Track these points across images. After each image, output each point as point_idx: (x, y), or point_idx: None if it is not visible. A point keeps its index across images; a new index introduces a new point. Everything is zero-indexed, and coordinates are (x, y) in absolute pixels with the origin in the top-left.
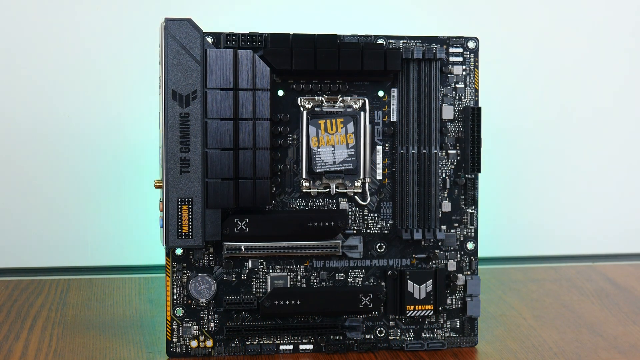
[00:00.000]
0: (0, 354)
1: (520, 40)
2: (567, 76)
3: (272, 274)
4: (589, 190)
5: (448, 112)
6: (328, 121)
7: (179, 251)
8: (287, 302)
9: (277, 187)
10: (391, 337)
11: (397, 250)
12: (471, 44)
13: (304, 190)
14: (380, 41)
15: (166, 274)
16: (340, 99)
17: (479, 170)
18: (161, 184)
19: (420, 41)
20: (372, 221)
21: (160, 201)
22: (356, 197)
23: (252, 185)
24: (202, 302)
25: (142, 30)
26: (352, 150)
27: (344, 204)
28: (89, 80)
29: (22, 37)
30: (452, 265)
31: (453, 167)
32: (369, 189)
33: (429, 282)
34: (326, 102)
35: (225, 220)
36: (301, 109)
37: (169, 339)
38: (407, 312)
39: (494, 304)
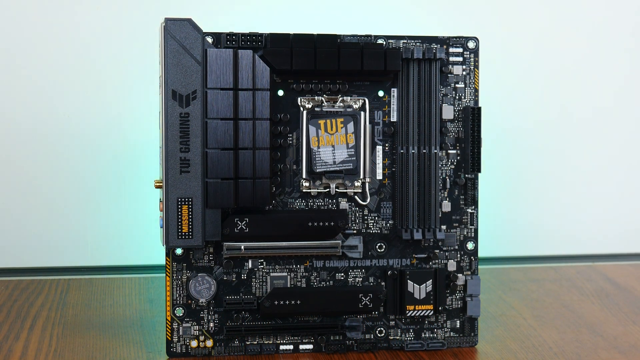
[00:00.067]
0: (0, 354)
1: (520, 40)
2: (567, 76)
3: (272, 274)
4: (589, 190)
5: (448, 112)
6: (328, 121)
7: (179, 251)
8: (287, 302)
9: (277, 187)
10: (391, 337)
11: (397, 250)
12: (471, 44)
13: (304, 190)
14: (380, 41)
15: (166, 274)
16: (340, 99)
17: (479, 170)
18: (161, 184)
19: (420, 41)
20: (372, 221)
21: (160, 201)
22: (356, 197)
23: (252, 185)
24: (202, 302)
25: (142, 30)
26: (352, 150)
27: (344, 204)
28: (89, 80)
29: (22, 37)
30: (452, 265)
31: (453, 167)
32: (369, 189)
33: (429, 282)
34: (326, 102)
35: (225, 220)
36: (301, 109)
37: (169, 339)
38: (407, 312)
39: (494, 304)
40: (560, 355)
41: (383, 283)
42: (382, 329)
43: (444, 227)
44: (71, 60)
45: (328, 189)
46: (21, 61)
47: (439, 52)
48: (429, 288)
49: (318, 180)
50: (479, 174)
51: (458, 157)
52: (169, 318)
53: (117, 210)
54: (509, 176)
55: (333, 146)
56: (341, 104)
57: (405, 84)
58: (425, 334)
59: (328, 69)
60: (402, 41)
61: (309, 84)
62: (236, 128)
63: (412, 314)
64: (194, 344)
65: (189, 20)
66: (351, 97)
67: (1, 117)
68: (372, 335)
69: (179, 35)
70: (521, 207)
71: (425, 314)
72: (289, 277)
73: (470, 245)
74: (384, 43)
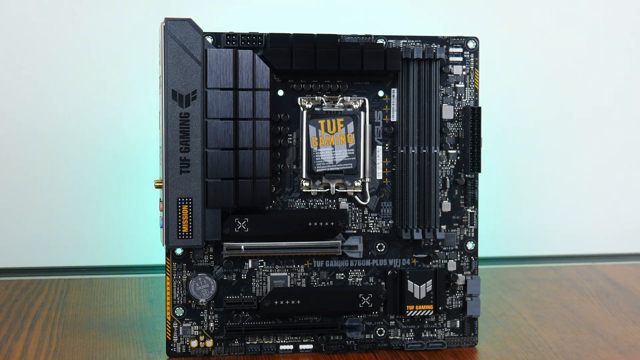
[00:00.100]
0: (0, 354)
1: (520, 40)
2: (567, 76)
3: (272, 274)
4: (589, 190)
5: (448, 112)
6: (328, 121)
7: (179, 251)
8: (287, 302)
9: (277, 187)
10: (391, 337)
11: (397, 250)
12: (471, 44)
13: (304, 190)
14: (380, 41)
15: (166, 274)
16: (340, 98)
17: (479, 170)
18: (161, 184)
19: (420, 41)
20: (372, 221)
21: (160, 201)
22: (356, 197)
23: (252, 185)
24: (202, 302)
25: (142, 30)
26: (352, 150)
27: (344, 204)
28: (89, 80)
29: (22, 37)
30: (452, 265)
31: (453, 167)
32: (369, 189)
33: (429, 282)
34: (326, 102)
35: (225, 220)
36: (301, 108)
37: (169, 338)
38: (407, 312)
39: (494, 304)
40: (560, 355)
41: (383, 283)
42: (382, 329)
43: (444, 227)
44: (71, 60)
45: (328, 189)
46: (21, 61)
47: (439, 52)
48: (429, 288)
49: (318, 180)
50: (479, 174)
51: (458, 157)
52: (169, 318)
53: (117, 210)
54: (509, 176)
55: (333, 146)
56: (341, 104)
57: (405, 84)
58: (425, 334)
59: (328, 69)
60: (402, 41)
61: (309, 84)
62: (236, 128)
63: (412, 314)
64: (194, 344)
65: (189, 20)
66: (351, 97)
67: (1, 117)
68: (372, 335)
69: (179, 35)
70: (521, 207)
71: (425, 314)
72: (289, 277)
73: (470, 245)
74: (384, 43)
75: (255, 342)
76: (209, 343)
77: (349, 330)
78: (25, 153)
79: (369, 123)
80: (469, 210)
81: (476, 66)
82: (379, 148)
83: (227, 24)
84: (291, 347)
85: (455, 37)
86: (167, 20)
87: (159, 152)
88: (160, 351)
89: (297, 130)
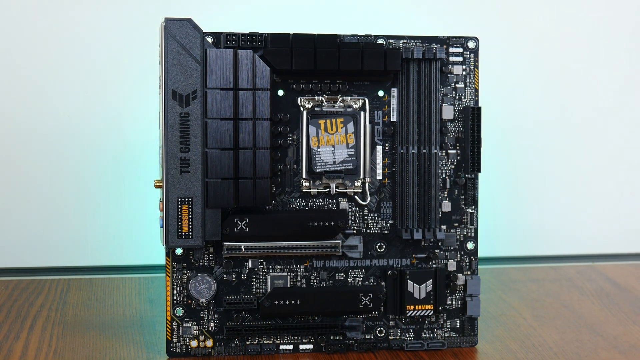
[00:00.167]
0: (0, 354)
1: (520, 40)
2: (567, 76)
3: (272, 274)
4: (589, 190)
5: (448, 112)
6: (328, 121)
7: (179, 251)
8: (287, 302)
9: (277, 187)
10: (391, 337)
11: (397, 250)
12: (471, 44)
13: (304, 190)
14: (380, 41)
15: (166, 274)
16: (340, 98)
17: (479, 170)
18: (161, 184)
19: (420, 41)
20: (372, 221)
21: (160, 201)
22: (356, 197)
23: (252, 185)
24: (202, 302)
25: (142, 30)
26: (352, 150)
27: (344, 204)
28: (89, 80)
29: (22, 37)
30: (452, 265)
31: (453, 167)
32: (369, 189)
33: (429, 282)
34: (326, 102)
35: (225, 220)
36: (301, 108)
37: (169, 338)
38: (407, 312)
39: (494, 304)
40: (560, 355)
41: (383, 283)
42: (382, 328)
43: (444, 227)
44: (71, 60)
45: (328, 189)
46: (21, 61)
47: (439, 52)
48: (429, 288)
49: (318, 180)
50: (479, 174)
51: (458, 157)
52: (169, 318)
53: (117, 210)
54: (509, 176)
55: (333, 146)
56: (341, 104)
57: (405, 84)
58: (425, 333)
59: (328, 69)
60: (402, 41)
61: (309, 84)
62: (236, 128)
63: (412, 314)
64: (194, 343)
65: (189, 20)
66: (351, 97)
67: (1, 117)
68: (372, 335)
69: (179, 35)
70: (521, 207)
71: (425, 314)
72: (289, 277)
73: (470, 245)
74: (384, 43)
75: (255, 342)
76: (209, 343)
77: (349, 330)
78: (25, 153)
79: (369, 123)
80: (469, 210)
81: (476, 66)
82: (379, 148)
83: (227, 24)
84: (291, 347)
85: (455, 37)
86: (167, 20)
87: (159, 152)
88: (160, 351)
89: (297, 130)
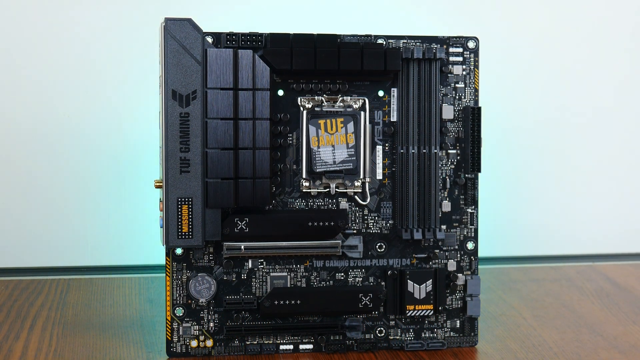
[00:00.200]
0: (0, 353)
1: (521, 39)
2: (567, 76)
3: (272, 274)
4: (589, 190)
5: (448, 111)
6: (328, 121)
7: (179, 251)
8: (287, 302)
9: (277, 187)
10: (391, 337)
11: (397, 250)
12: (471, 44)
13: (304, 190)
14: (380, 41)
15: (166, 274)
16: (340, 98)
17: (479, 170)
18: (161, 184)
19: (420, 41)
20: (372, 221)
21: (160, 201)
22: (356, 196)
23: (252, 185)
24: (202, 302)
25: (142, 30)
26: (352, 150)
27: (344, 204)
28: (89, 80)
29: (22, 37)
30: (452, 265)
31: (453, 166)
32: (369, 189)
33: (429, 281)
34: (326, 101)
35: (225, 220)
36: (301, 108)
37: (169, 338)
38: (407, 311)
39: (494, 304)
40: (560, 355)
41: (383, 283)
42: (382, 328)
43: (444, 227)
44: (71, 60)
45: (328, 189)
46: (21, 61)
47: (439, 52)
48: (429, 288)
49: (318, 180)
50: (479, 174)
51: (458, 157)
52: (169, 318)
53: (117, 210)
54: (509, 176)
55: (333, 146)
56: (341, 104)
57: (405, 83)
58: (425, 333)
59: (328, 69)
60: (402, 41)
61: (309, 83)
62: (236, 128)
63: (412, 314)
64: (194, 343)
65: (189, 20)
66: (351, 97)
67: (1, 117)
68: (372, 335)
69: (179, 35)
70: (521, 207)
71: (425, 314)
72: (289, 277)
73: (470, 245)
74: (384, 43)
75: (255, 342)
76: (209, 343)
77: (349, 330)
78: (25, 153)
79: (369, 123)
80: (469, 210)
81: (476, 66)
82: (379, 148)
83: (227, 24)
84: (291, 347)
85: (455, 37)
86: (167, 20)
87: (159, 152)
88: (160, 351)
89: (297, 130)
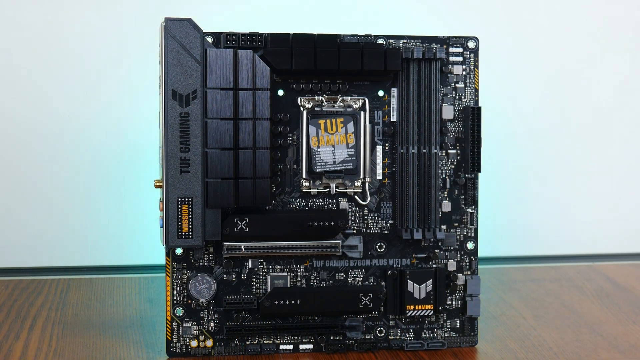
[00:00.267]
0: (0, 353)
1: (521, 39)
2: (567, 76)
3: (272, 274)
4: (589, 190)
5: (448, 111)
6: (328, 121)
7: (179, 251)
8: (287, 302)
9: (277, 187)
10: (391, 337)
11: (397, 250)
12: (471, 44)
13: (304, 190)
14: (380, 41)
15: (166, 274)
16: (340, 98)
17: (479, 170)
18: (161, 184)
19: (420, 41)
20: (372, 221)
21: (160, 201)
22: (356, 196)
23: (252, 185)
24: (202, 302)
25: (142, 30)
26: (352, 150)
27: (344, 204)
28: (89, 80)
29: (21, 37)
30: (452, 265)
31: (453, 166)
32: (369, 189)
33: (429, 281)
34: (326, 101)
35: (225, 220)
36: (301, 108)
37: (169, 338)
38: (407, 311)
39: (494, 304)
40: (560, 355)
41: (383, 283)
42: (382, 328)
43: (444, 227)
44: (71, 60)
45: (328, 189)
46: (21, 61)
47: (439, 52)
48: (429, 288)
49: (318, 180)
50: (479, 174)
51: (458, 157)
52: (169, 318)
53: (117, 210)
54: (509, 176)
55: (333, 146)
56: (341, 104)
57: (405, 83)
58: (425, 333)
59: (328, 69)
60: (402, 41)
61: (309, 83)
62: (236, 128)
63: (412, 314)
64: (194, 343)
65: (189, 20)
66: (351, 96)
67: (1, 117)
68: (372, 335)
69: (179, 35)
70: (521, 207)
71: (425, 314)
72: (289, 277)
73: (470, 245)
74: (384, 43)
75: (255, 342)
76: (209, 343)
77: (349, 330)
78: (25, 153)
79: (369, 123)
80: (469, 210)
81: (476, 66)
82: (379, 148)
83: (227, 24)
84: (291, 347)
85: (455, 37)
86: (167, 20)
87: (159, 152)
88: (160, 351)
89: (297, 130)
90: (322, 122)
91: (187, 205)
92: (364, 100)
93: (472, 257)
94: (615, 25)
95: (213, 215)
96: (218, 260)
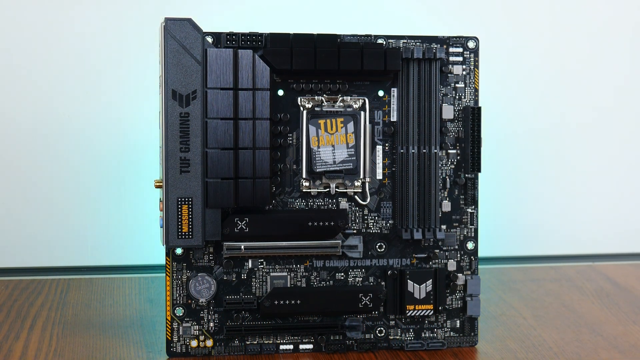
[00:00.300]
0: (0, 353)
1: (521, 39)
2: (568, 76)
3: (272, 274)
4: (589, 190)
5: (448, 111)
6: (328, 121)
7: (179, 251)
8: (287, 302)
9: (277, 187)
10: (391, 337)
11: (397, 250)
12: (471, 44)
13: (304, 190)
14: (380, 41)
15: (166, 274)
16: (340, 98)
17: (479, 170)
18: (161, 184)
19: (420, 41)
20: (372, 221)
21: (160, 201)
22: (356, 196)
23: (252, 185)
24: (202, 302)
25: (142, 30)
26: (352, 150)
27: (344, 204)
28: (89, 80)
29: (21, 37)
30: (452, 265)
31: (453, 166)
32: (369, 189)
33: (429, 281)
34: (326, 101)
35: (225, 220)
36: (301, 108)
37: (169, 338)
38: (407, 311)
39: (494, 304)
40: (560, 355)
41: (383, 283)
42: (382, 328)
43: (444, 226)
44: (71, 60)
45: (328, 189)
46: (21, 61)
47: (439, 52)
48: (429, 288)
49: (318, 180)
50: (479, 174)
51: (458, 157)
52: (169, 318)
53: (117, 210)
54: (509, 176)
55: (333, 146)
56: (341, 104)
57: (405, 83)
58: (425, 333)
59: (328, 69)
60: (402, 41)
61: (309, 83)
62: (236, 128)
63: (412, 314)
64: (194, 343)
65: (189, 20)
66: (351, 96)
67: (1, 117)
68: (372, 335)
69: (179, 35)
70: (521, 207)
71: (425, 314)
72: (289, 277)
73: (470, 245)
74: (384, 43)
75: (255, 342)
76: (209, 343)
77: (349, 330)
78: (25, 153)
79: (369, 123)
80: (469, 210)
81: (476, 66)
82: (379, 148)
83: (227, 24)
84: (291, 347)
85: (455, 37)
86: (167, 20)
87: (159, 152)
88: (160, 351)
89: (297, 130)
90: (322, 122)
91: (187, 205)
92: (364, 100)
93: (472, 257)
94: (615, 25)
95: (213, 215)
96: (218, 260)
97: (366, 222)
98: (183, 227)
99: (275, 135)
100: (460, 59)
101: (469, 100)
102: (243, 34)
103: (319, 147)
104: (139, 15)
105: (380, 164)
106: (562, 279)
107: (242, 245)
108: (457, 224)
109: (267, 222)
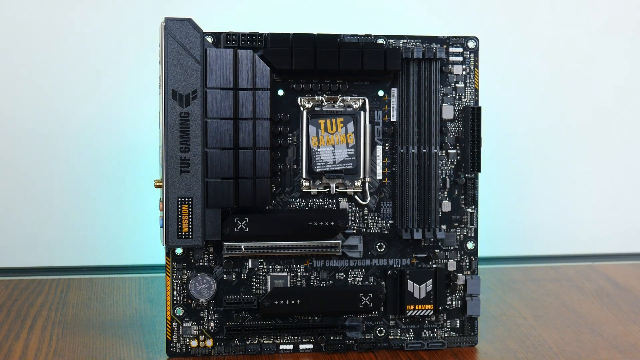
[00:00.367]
0: (0, 353)
1: (521, 39)
2: (568, 76)
3: (272, 274)
4: (589, 190)
5: (448, 111)
6: (328, 121)
7: (179, 251)
8: (287, 302)
9: (277, 187)
10: (391, 337)
11: (397, 249)
12: (471, 44)
13: (304, 190)
14: (380, 41)
15: (166, 274)
16: (340, 98)
17: (479, 170)
18: (161, 184)
19: (420, 41)
20: (372, 221)
21: (160, 201)
22: (356, 196)
23: (252, 185)
24: (202, 302)
25: (142, 30)
26: (352, 149)
27: (344, 204)
28: (89, 80)
29: (21, 37)
30: (452, 265)
31: (453, 166)
32: (369, 189)
33: (429, 281)
34: (326, 101)
35: (225, 219)
36: (301, 108)
37: (169, 338)
38: (407, 311)
39: (494, 304)
40: (560, 355)
41: (383, 283)
42: (382, 328)
43: (444, 226)
44: (71, 60)
45: (328, 189)
46: (21, 61)
47: (439, 52)
48: (429, 288)
49: (318, 180)
50: (479, 174)
51: (458, 157)
52: (169, 318)
53: (117, 210)
54: (509, 176)
55: (333, 146)
56: (341, 104)
57: (405, 83)
58: (425, 333)
59: (328, 69)
60: (402, 41)
61: (309, 83)
62: (236, 128)
63: (412, 314)
64: (194, 343)
65: (189, 20)
66: (351, 96)
67: (1, 117)
68: (372, 335)
69: (179, 35)
70: (521, 207)
71: (425, 314)
72: (289, 276)
73: (470, 245)
74: (384, 43)
75: (255, 342)
76: (209, 343)
77: (349, 330)
78: (25, 153)
79: (369, 123)
80: (469, 210)
81: (476, 66)
82: (379, 148)
83: (227, 24)
84: (291, 346)
85: (455, 37)
86: (167, 20)
87: (159, 152)
88: (160, 351)
89: (297, 130)
90: (322, 122)
91: (187, 205)
92: (364, 100)
93: (472, 257)
94: (615, 25)
95: (213, 215)
96: (218, 260)
97: (366, 222)
98: (183, 227)
99: (275, 135)
100: (460, 59)
101: (469, 100)
102: (243, 34)
103: (319, 147)
104: (139, 15)
105: (380, 164)
106: (562, 279)
107: (242, 245)
108: (457, 224)
109: (267, 222)
